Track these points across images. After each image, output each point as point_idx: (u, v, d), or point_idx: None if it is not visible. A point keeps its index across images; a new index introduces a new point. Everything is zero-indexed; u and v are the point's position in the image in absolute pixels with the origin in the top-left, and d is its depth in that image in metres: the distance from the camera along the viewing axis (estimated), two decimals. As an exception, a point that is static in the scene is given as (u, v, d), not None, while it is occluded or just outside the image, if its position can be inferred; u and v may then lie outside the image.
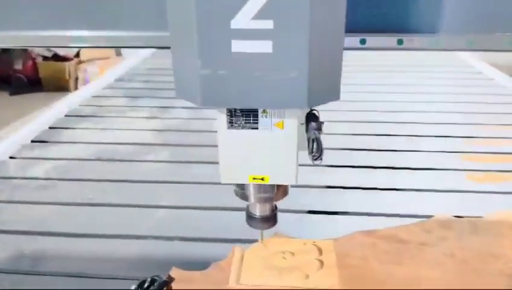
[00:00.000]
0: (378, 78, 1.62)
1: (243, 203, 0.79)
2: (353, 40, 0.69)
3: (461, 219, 0.72)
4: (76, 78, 3.82)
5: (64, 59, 3.77)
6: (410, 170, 0.93)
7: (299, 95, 0.42)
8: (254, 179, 0.51)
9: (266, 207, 0.56)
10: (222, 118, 0.47)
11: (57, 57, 3.79)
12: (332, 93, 0.45)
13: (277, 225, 0.70)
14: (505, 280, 0.57)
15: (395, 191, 0.85)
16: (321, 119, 0.49)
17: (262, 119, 0.47)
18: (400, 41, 0.68)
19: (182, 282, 0.57)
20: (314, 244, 0.64)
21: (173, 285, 0.57)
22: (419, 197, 0.84)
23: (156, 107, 1.34)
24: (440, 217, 0.71)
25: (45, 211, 0.80)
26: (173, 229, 0.73)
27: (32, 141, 1.10)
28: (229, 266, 0.60)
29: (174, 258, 0.66)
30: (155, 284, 0.55)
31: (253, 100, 0.43)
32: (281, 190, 0.54)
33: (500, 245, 0.64)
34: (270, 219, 0.57)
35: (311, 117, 0.49)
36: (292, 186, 0.85)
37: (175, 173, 0.93)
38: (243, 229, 0.72)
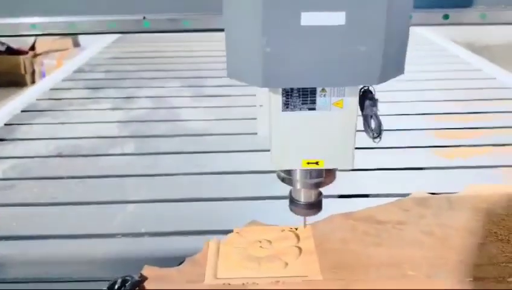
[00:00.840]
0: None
1: (216, 194, 0.78)
2: None
3: (438, 195, 0.71)
4: (33, 72, 3.65)
5: (19, 52, 3.60)
6: (380, 149, 0.93)
7: (372, 71, 0.39)
8: (308, 163, 0.48)
9: (312, 193, 0.53)
10: (276, 99, 0.44)
11: (10, 51, 3.61)
12: (399, 68, 0.42)
13: (255, 214, 0.69)
14: (485, 255, 0.57)
15: (367, 171, 0.84)
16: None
17: (320, 99, 0.44)
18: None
19: (155, 281, 0.54)
20: (292, 231, 0.63)
21: (146, 284, 0.54)
22: (392, 176, 0.83)
23: (119, 97, 1.29)
24: (417, 195, 0.71)
25: (4, 213, 0.74)
26: (144, 225, 0.70)
27: (-13, 140, 1.03)
28: (205, 260, 0.58)
29: (146, 256, 0.62)
30: (126, 284, 0.52)
31: (322, 78, 0.40)
32: (330, 175, 0.51)
33: (476, 220, 0.64)
34: (315, 205, 0.54)
35: (367, 93, 0.45)
36: (259, 170, 0.83)
37: (143, 166, 0.90)
38: (217, 220, 0.70)
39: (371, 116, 0.46)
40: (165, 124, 1.09)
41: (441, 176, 0.83)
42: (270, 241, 0.61)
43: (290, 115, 0.45)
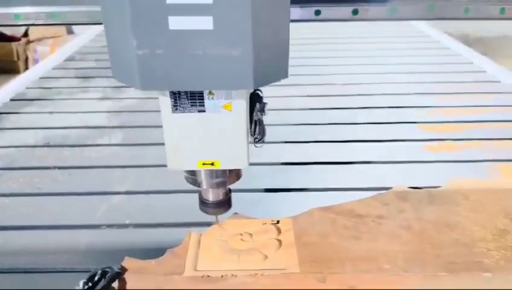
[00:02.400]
0: (334, 51, 1.61)
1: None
2: (307, 11, 0.67)
3: (418, 189, 0.72)
4: (26, 59, 3.62)
5: (12, 39, 3.56)
6: (367, 142, 0.93)
7: (244, 75, 0.39)
8: (204, 164, 0.48)
9: (219, 192, 0.54)
10: (165, 101, 0.44)
11: (3, 38, 3.58)
12: (280, 72, 0.42)
13: (239, 206, 0.69)
14: (461, 250, 0.58)
15: (353, 165, 0.85)
16: (264, 100, 0.47)
17: (208, 101, 0.44)
18: (355, 12, 0.67)
19: (135, 272, 0.55)
20: (273, 224, 0.63)
21: (126, 276, 0.54)
22: (377, 169, 0.84)
23: (109, 87, 1.28)
24: (397, 189, 0.71)
25: (-11, 203, 0.75)
26: (128, 216, 0.70)
27: (-25, 129, 1.03)
28: (185, 252, 0.58)
29: (129, 247, 0.63)
30: (106, 276, 0.52)
31: (196, 81, 0.40)
32: (234, 174, 0.52)
33: (455, 214, 0.65)
34: (224, 204, 0.55)
35: (254, 98, 0.46)
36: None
37: (130, 157, 0.90)
38: (200, 212, 0.70)
39: (255, 121, 0.47)
40: (154, 115, 1.09)
41: (426, 170, 0.84)
42: (251, 234, 0.61)
43: (180, 116, 0.45)
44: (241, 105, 0.45)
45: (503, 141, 0.93)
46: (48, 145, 0.94)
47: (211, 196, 0.55)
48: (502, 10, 0.65)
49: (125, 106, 1.15)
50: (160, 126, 1.02)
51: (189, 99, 0.44)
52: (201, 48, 0.38)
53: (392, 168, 0.84)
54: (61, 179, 0.82)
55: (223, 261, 0.57)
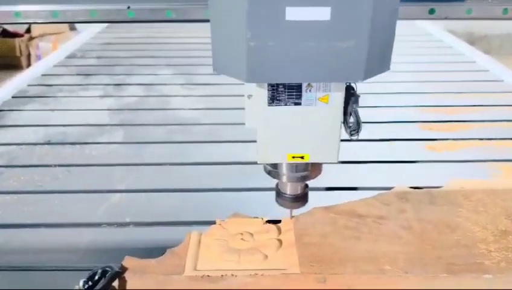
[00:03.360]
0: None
1: (201, 185, 0.78)
2: None
3: (419, 190, 0.72)
4: (29, 55, 3.63)
5: (14, 35, 3.57)
6: (367, 142, 0.93)
7: (356, 67, 0.39)
8: (293, 157, 0.48)
9: (298, 186, 0.54)
10: (262, 93, 0.44)
11: (6, 33, 3.58)
12: (385, 64, 0.42)
13: (240, 205, 0.69)
14: (462, 251, 0.58)
15: (353, 164, 0.84)
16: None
17: (306, 94, 0.44)
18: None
19: (135, 272, 0.55)
20: (273, 224, 0.63)
21: (126, 275, 0.54)
22: (378, 168, 0.83)
23: (110, 84, 1.28)
24: (398, 189, 0.71)
25: (-10, 201, 0.75)
26: (129, 215, 0.70)
27: (-24, 126, 1.03)
28: (185, 251, 0.58)
29: (130, 246, 0.63)
30: (106, 275, 0.52)
31: (306, 74, 0.40)
32: (316, 169, 0.52)
33: (456, 215, 0.65)
34: (301, 198, 0.55)
35: (349, 90, 0.46)
36: (246, 161, 0.83)
37: (131, 155, 0.90)
38: (202, 211, 0.71)
39: (351, 113, 0.46)
40: (155, 113, 1.09)
41: (427, 169, 0.83)
42: (251, 234, 0.61)
43: (276, 109, 0.45)
44: (338, 97, 0.44)
45: (505, 140, 0.93)
46: (48, 143, 0.94)
47: (289, 189, 0.54)
48: (505, 10, 0.65)
49: (126, 103, 1.15)
50: (160, 124, 1.02)
51: (286, 92, 0.44)
52: (315, 40, 0.38)
53: (393, 167, 0.84)
54: (61, 177, 0.82)
55: (223, 261, 0.57)
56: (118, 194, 0.76)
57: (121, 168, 0.84)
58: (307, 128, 0.46)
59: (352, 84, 0.46)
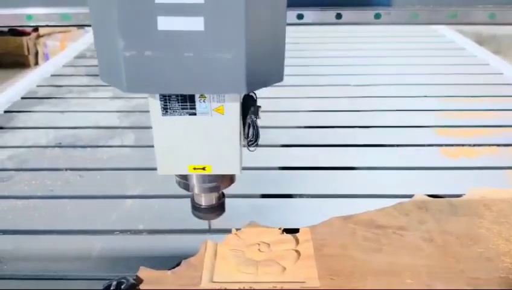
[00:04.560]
0: (348, 50, 1.58)
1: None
2: (328, 14, 0.66)
3: (439, 199, 0.70)
4: (36, 53, 3.63)
5: (22, 33, 3.57)
6: (382, 147, 0.91)
7: (237, 79, 0.38)
8: (195, 169, 0.47)
9: (212, 197, 0.53)
10: (155, 103, 0.43)
11: (14, 32, 3.59)
12: (274, 75, 0.41)
13: (255, 212, 0.68)
14: (485, 264, 0.56)
15: (368, 170, 0.83)
16: (258, 103, 0.46)
17: (200, 104, 0.43)
18: (378, 16, 0.65)
19: (151, 283, 0.54)
20: (291, 233, 0.62)
21: (141, 287, 0.53)
22: (394, 175, 0.82)
23: (120, 86, 1.27)
24: (418, 198, 0.69)
25: (1, 206, 0.74)
26: (142, 221, 0.69)
27: (-14, 128, 1.02)
28: (201, 263, 0.57)
29: (143, 254, 0.62)
30: (122, 287, 0.51)
31: (186, 84, 0.38)
32: (227, 178, 0.51)
33: (478, 226, 0.63)
34: (217, 209, 0.53)
35: (248, 100, 0.45)
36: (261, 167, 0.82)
37: (142, 159, 0.88)
38: (216, 219, 0.69)
39: (249, 124, 0.45)
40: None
41: (444, 176, 0.82)
42: (268, 244, 0.60)
43: (170, 119, 0.44)
44: (234, 108, 0.43)
45: (524, 147, 0.91)
46: (59, 146, 0.93)
47: (204, 200, 0.53)
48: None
49: (136, 105, 1.14)
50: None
51: (179, 102, 0.43)
52: (192, 50, 0.37)
53: (409, 174, 0.82)
54: (73, 181, 0.81)
55: (240, 273, 0.55)
56: (130, 200, 0.75)
57: (132, 173, 0.83)
58: (205, 138, 0.45)
59: (252, 94, 0.45)
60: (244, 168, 0.82)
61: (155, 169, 0.83)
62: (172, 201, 0.75)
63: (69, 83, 1.30)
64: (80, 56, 1.56)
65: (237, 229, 0.63)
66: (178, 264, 0.58)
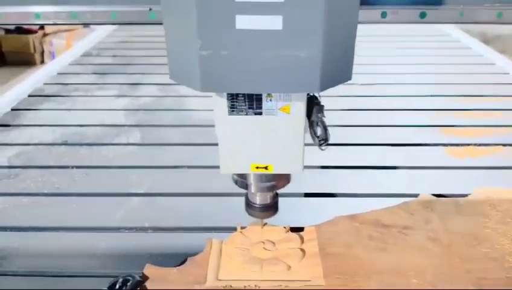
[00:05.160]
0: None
1: (220, 189, 0.77)
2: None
3: (445, 199, 0.70)
4: (42, 52, 3.65)
5: (28, 32, 3.59)
6: (386, 146, 0.91)
7: (311, 78, 0.38)
8: (257, 168, 0.47)
9: (267, 196, 0.53)
10: (222, 103, 0.43)
11: (20, 30, 3.61)
12: (345, 74, 0.41)
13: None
14: (491, 264, 0.56)
15: (373, 169, 0.83)
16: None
17: (266, 104, 0.43)
18: (384, 14, 0.65)
19: (156, 281, 0.54)
20: (296, 232, 0.62)
21: (147, 284, 0.53)
22: (399, 174, 0.82)
23: (126, 84, 1.27)
24: (423, 198, 0.69)
25: (8, 202, 0.74)
26: (148, 219, 0.69)
27: (-7, 125, 1.03)
28: (206, 261, 0.57)
29: (148, 251, 0.62)
30: (127, 284, 0.51)
31: (259, 84, 0.39)
32: (284, 178, 0.51)
33: (484, 226, 0.63)
34: (271, 208, 0.54)
35: (310, 99, 0.45)
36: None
37: (148, 157, 0.89)
38: (222, 216, 0.69)
39: (317, 123, 0.45)
40: (171, 114, 1.08)
41: (449, 176, 0.81)
42: (273, 243, 0.60)
43: (237, 118, 0.44)
44: (300, 107, 0.44)
45: (530, 147, 0.90)
46: (65, 144, 0.94)
47: (258, 199, 0.53)
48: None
49: (142, 104, 1.15)
50: (178, 125, 1.01)
51: (246, 101, 0.43)
52: (268, 49, 0.37)
53: (415, 173, 0.82)
54: (79, 179, 0.81)
55: (245, 271, 0.55)
56: (136, 198, 0.75)
57: (138, 171, 0.84)
58: (269, 138, 0.46)
59: (316, 94, 0.45)
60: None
61: (160, 167, 0.85)
62: (178, 199, 0.75)
63: (75, 81, 1.30)
64: (86, 54, 1.57)
65: (242, 227, 0.63)
66: (183, 262, 0.58)
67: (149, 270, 0.55)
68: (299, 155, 0.47)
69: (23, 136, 0.98)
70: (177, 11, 0.38)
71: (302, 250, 0.59)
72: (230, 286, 0.53)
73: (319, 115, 0.45)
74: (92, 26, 3.40)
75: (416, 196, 0.71)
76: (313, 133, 0.46)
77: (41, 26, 3.60)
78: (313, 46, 0.36)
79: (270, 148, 0.46)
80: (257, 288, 0.53)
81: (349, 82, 1.31)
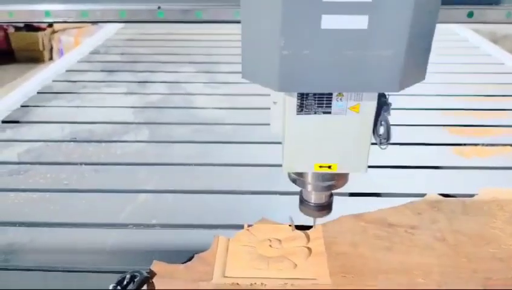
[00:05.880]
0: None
1: (227, 187, 0.77)
2: None
3: (451, 198, 0.70)
4: (51, 49, 3.68)
5: (37, 29, 3.62)
6: (393, 145, 0.91)
7: (392, 77, 0.38)
8: (321, 167, 0.47)
9: (323, 195, 0.53)
10: (291, 101, 0.43)
11: (29, 27, 3.63)
12: (420, 74, 0.41)
13: (266, 209, 0.68)
14: (498, 265, 0.56)
15: (379, 169, 0.82)
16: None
17: (336, 103, 0.43)
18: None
19: (163, 277, 0.54)
20: (302, 231, 0.62)
21: (155, 280, 0.54)
22: (406, 174, 0.81)
23: (134, 82, 1.28)
24: (430, 197, 0.69)
25: (17, 198, 0.75)
26: (155, 216, 0.70)
27: (3, 122, 1.04)
28: (213, 257, 0.57)
29: (156, 247, 0.63)
30: (135, 280, 0.52)
31: (340, 83, 0.39)
32: (343, 177, 0.51)
33: (491, 227, 0.63)
34: (326, 207, 0.54)
35: (380, 98, 0.44)
36: (271, 164, 0.82)
37: (156, 154, 0.89)
38: (229, 214, 0.70)
39: (381, 122, 0.45)
40: (179, 111, 1.09)
41: (456, 176, 0.81)
42: (280, 241, 0.60)
43: (305, 118, 0.44)
44: (370, 107, 0.44)
45: (539, 148, 0.90)
46: (74, 141, 0.94)
47: (314, 198, 0.54)
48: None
49: (150, 101, 1.15)
50: (186, 123, 1.02)
51: (316, 100, 0.43)
52: (351, 49, 0.37)
53: (421, 173, 0.82)
54: (87, 175, 0.82)
55: (252, 269, 0.56)
56: (143, 195, 0.76)
57: (146, 168, 0.84)
58: (336, 137, 0.45)
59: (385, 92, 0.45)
60: (254, 165, 0.83)
61: (169, 164, 0.85)
62: (185, 196, 0.75)
63: (83, 79, 1.31)
64: (95, 52, 1.58)
65: (249, 225, 0.64)
66: (190, 259, 0.59)
67: (156, 266, 0.56)
68: (365, 155, 0.46)
69: (32, 132, 0.99)
70: (259, 8, 0.38)
71: (308, 248, 0.59)
72: (237, 284, 0.54)
73: (385, 114, 0.45)
74: (100, 23, 3.42)
75: (422, 195, 0.71)
76: (376, 132, 0.46)
77: (50, 24, 3.62)
78: (397, 46, 0.37)
79: (336, 148, 0.46)
80: (263, 286, 0.53)
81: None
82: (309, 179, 0.51)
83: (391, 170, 0.82)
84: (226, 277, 0.55)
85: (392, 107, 0.45)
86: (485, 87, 1.22)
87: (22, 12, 0.70)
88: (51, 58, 3.65)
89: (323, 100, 0.43)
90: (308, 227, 0.63)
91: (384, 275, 0.54)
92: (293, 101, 0.43)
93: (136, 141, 0.95)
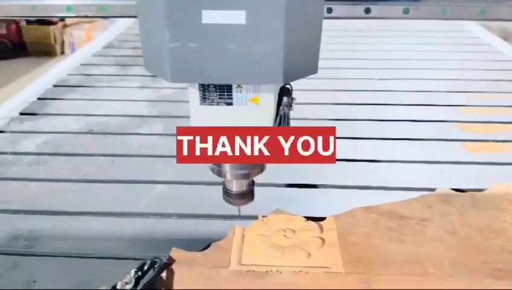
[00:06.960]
0: (371, 44, 1.58)
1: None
2: (357, 9, 0.67)
3: (462, 193, 0.71)
4: (63, 42, 3.71)
5: (49, 23, 3.65)
6: (404, 141, 0.92)
7: (275, 70, 0.40)
8: None
9: (243, 183, 0.55)
10: (194, 92, 0.45)
11: (41, 21, 3.67)
12: (310, 67, 0.43)
13: (282, 201, 0.70)
14: (507, 257, 0.57)
15: (390, 163, 0.84)
16: (293, 95, 0.47)
17: (236, 94, 0.45)
18: (406, 10, 0.67)
19: (182, 264, 0.56)
20: (315, 222, 0.64)
21: (174, 267, 0.56)
22: (416, 168, 0.83)
23: (147, 76, 1.30)
24: (441, 191, 0.71)
25: (38, 188, 0.78)
26: (172, 206, 0.72)
27: (21, 114, 1.06)
28: (230, 246, 0.59)
29: (173, 236, 0.65)
30: (155, 266, 0.54)
31: (226, 75, 0.41)
32: (258, 166, 0.53)
33: (501, 220, 0.64)
34: (247, 195, 0.56)
35: (283, 92, 0.46)
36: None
37: (171, 147, 0.91)
38: (244, 205, 0.72)
39: (281, 116, 0.46)
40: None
41: (467, 171, 0.82)
42: (293, 231, 0.62)
43: (208, 108, 0.46)
44: (269, 99, 0.45)
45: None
46: (91, 133, 0.97)
47: (235, 186, 0.55)
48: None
49: (164, 95, 1.17)
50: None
51: (217, 91, 0.45)
52: (233, 42, 0.39)
53: (432, 168, 0.83)
54: (105, 166, 0.84)
55: (267, 257, 0.58)
56: (160, 185, 0.78)
57: (162, 160, 0.86)
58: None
59: (288, 86, 0.46)
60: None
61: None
62: (201, 187, 0.77)
63: (98, 72, 1.34)
64: (108, 46, 1.60)
65: (264, 216, 0.65)
66: (207, 247, 0.61)
67: (175, 253, 0.58)
68: None
69: (49, 124, 1.01)
70: (147, 4, 0.40)
71: (322, 239, 0.61)
72: (253, 271, 0.56)
73: (286, 108, 0.46)
74: (112, 18, 3.44)
75: (433, 190, 0.73)
76: (276, 125, 0.47)
77: (62, 18, 3.65)
78: (275, 40, 0.38)
79: None
80: (279, 273, 0.55)
81: (367, 77, 1.33)
82: (226, 167, 0.53)
83: (402, 165, 0.84)
84: (243, 264, 0.57)
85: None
86: (497, 84, 1.22)
87: (44, 7, 0.72)
88: (62, 52, 3.69)
89: (224, 91, 0.45)
90: (322, 219, 0.65)
91: (395, 264, 0.56)
92: (195, 92, 0.45)
93: (151, 133, 0.97)
